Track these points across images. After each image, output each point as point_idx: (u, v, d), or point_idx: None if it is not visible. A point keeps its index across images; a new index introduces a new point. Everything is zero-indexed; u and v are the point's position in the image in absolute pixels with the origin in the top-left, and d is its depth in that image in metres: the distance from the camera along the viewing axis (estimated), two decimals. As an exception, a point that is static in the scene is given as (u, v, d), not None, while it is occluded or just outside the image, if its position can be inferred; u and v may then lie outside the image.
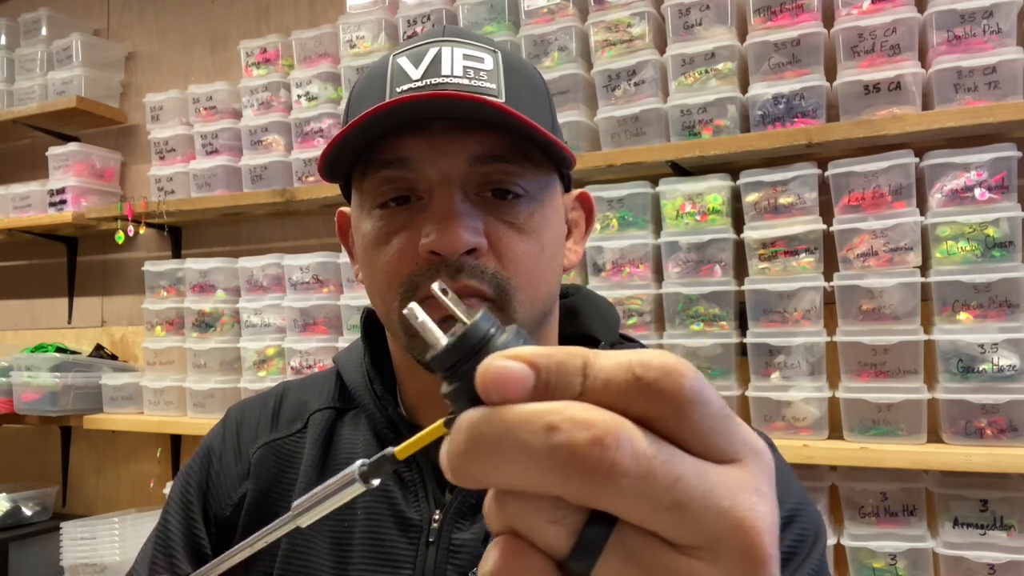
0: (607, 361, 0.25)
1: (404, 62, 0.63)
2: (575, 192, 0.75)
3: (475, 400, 0.26)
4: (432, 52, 0.63)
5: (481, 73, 0.62)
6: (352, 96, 0.69)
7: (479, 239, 0.61)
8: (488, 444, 0.24)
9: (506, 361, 0.25)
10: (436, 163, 0.62)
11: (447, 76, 0.61)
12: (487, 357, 0.26)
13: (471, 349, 0.28)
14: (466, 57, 0.63)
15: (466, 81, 0.61)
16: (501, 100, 0.61)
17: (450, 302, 0.30)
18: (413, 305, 0.30)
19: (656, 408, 0.24)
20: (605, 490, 0.23)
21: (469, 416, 0.25)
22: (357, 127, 0.60)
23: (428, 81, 0.61)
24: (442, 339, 0.29)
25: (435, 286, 0.31)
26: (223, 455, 0.76)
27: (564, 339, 0.76)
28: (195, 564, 0.71)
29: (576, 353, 0.25)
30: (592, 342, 0.75)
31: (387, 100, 0.61)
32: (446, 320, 0.30)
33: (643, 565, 0.24)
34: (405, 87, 0.62)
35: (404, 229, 0.63)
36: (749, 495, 0.25)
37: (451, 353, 0.28)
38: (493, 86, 0.62)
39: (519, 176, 0.63)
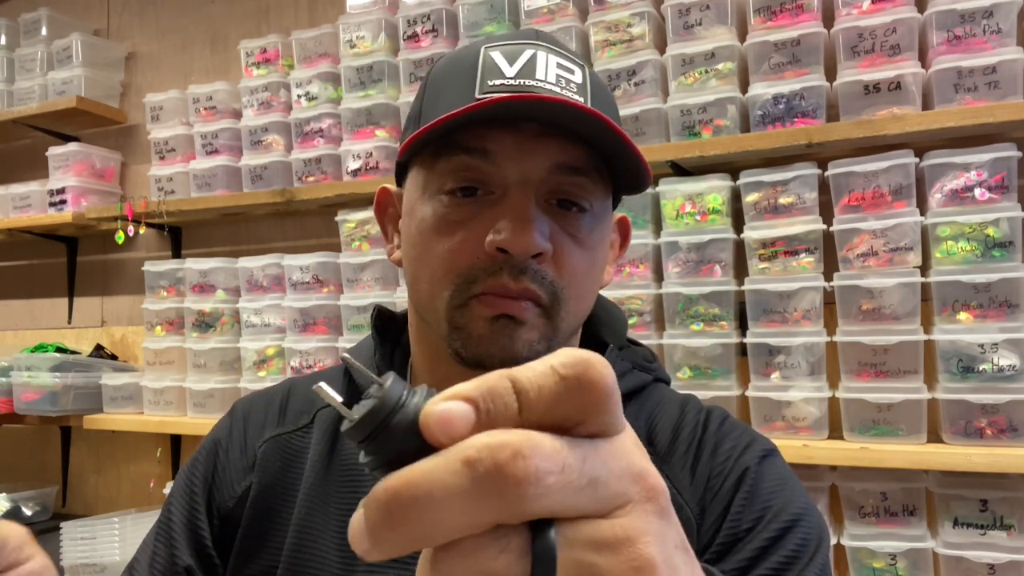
0: (531, 372, 0.27)
1: (498, 57, 0.63)
2: (616, 216, 0.75)
3: (393, 465, 0.26)
4: (528, 53, 0.63)
5: (572, 84, 0.63)
6: (431, 79, 0.68)
7: (548, 245, 0.62)
8: (419, 502, 0.25)
9: (445, 403, 0.26)
10: (520, 163, 0.62)
11: (541, 80, 0.62)
12: (426, 405, 0.26)
13: (388, 414, 0.27)
14: (559, 66, 0.63)
15: (558, 89, 0.62)
16: None
17: (359, 366, 0.30)
18: (322, 384, 0.30)
19: (584, 399, 0.27)
20: (539, 493, 0.25)
21: (388, 483, 0.25)
22: (459, 117, 0.59)
23: (522, 81, 0.61)
24: (354, 409, 0.28)
25: (343, 355, 0.33)
26: (229, 448, 0.76)
27: None
28: (195, 556, 0.71)
29: (501, 375, 0.27)
30: (600, 345, 0.75)
31: (477, 91, 0.61)
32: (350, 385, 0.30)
33: (589, 546, 0.26)
34: (498, 82, 0.62)
35: (471, 221, 0.63)
36: (635, 452, 0.29)
37: (369, 421, 0.27)
38: (581, 99, 0.62)
39: (590, 192, 0.64)
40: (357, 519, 0.26)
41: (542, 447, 0.25)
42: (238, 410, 0.80)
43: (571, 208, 0.64)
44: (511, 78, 0.62)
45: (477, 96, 0.61)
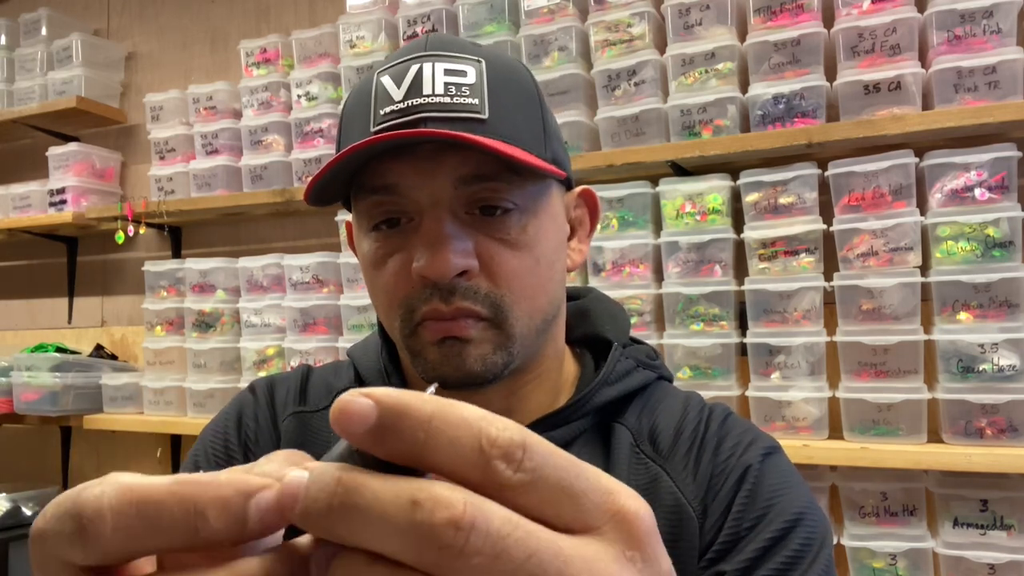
0: (456, 417, 0.24)
1: (387, 81, 0.63)
2: (577, 189, 0.74)
3: (355, 460, 0.25)
4: (413, 69, 0.62)
5: (463, 88, 0.62)
6: (344, 113, 0.69)
7: (469, 261, 0.61)
8: (355, 508, 0.23)
9: (354, 396, 0.24)
10: (423, 187, 0.62)
11: (428, 96, 0.61)
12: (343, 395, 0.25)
13: None
14: (448, 72, 0.62)
15: (447, 99, 0.61)
16: (484, 115, 0.61)
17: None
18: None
19: (500, 478, 0.24)
20: (456, 566, 0.23)
21: (344, 475, 0.24)
22: (340, 163, 0.61)
23: (410, 102, 0.61)
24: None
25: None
26: (257, 415, 0.76)
27: (575, 341, 0.76)
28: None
29: (426, 401, 0.24)
30: (603, 344, 0.75)
31: (372, 124, 0.62)
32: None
33: None
34: (388, 109, 0.62)
35: (398, 252, 0.64)
36: (607, 566, 0.24)
37: None
38: (475, 101, 0.62)
39: (507, 192, 0.63)
40: (311, 487, 0.24)
41: (484, 524, 0.23)
42: (259, 385, 0.80)
43: (495, 212, 0.63)
44: (399, 102, 0.62)
45: (372, 129, 0.62)
